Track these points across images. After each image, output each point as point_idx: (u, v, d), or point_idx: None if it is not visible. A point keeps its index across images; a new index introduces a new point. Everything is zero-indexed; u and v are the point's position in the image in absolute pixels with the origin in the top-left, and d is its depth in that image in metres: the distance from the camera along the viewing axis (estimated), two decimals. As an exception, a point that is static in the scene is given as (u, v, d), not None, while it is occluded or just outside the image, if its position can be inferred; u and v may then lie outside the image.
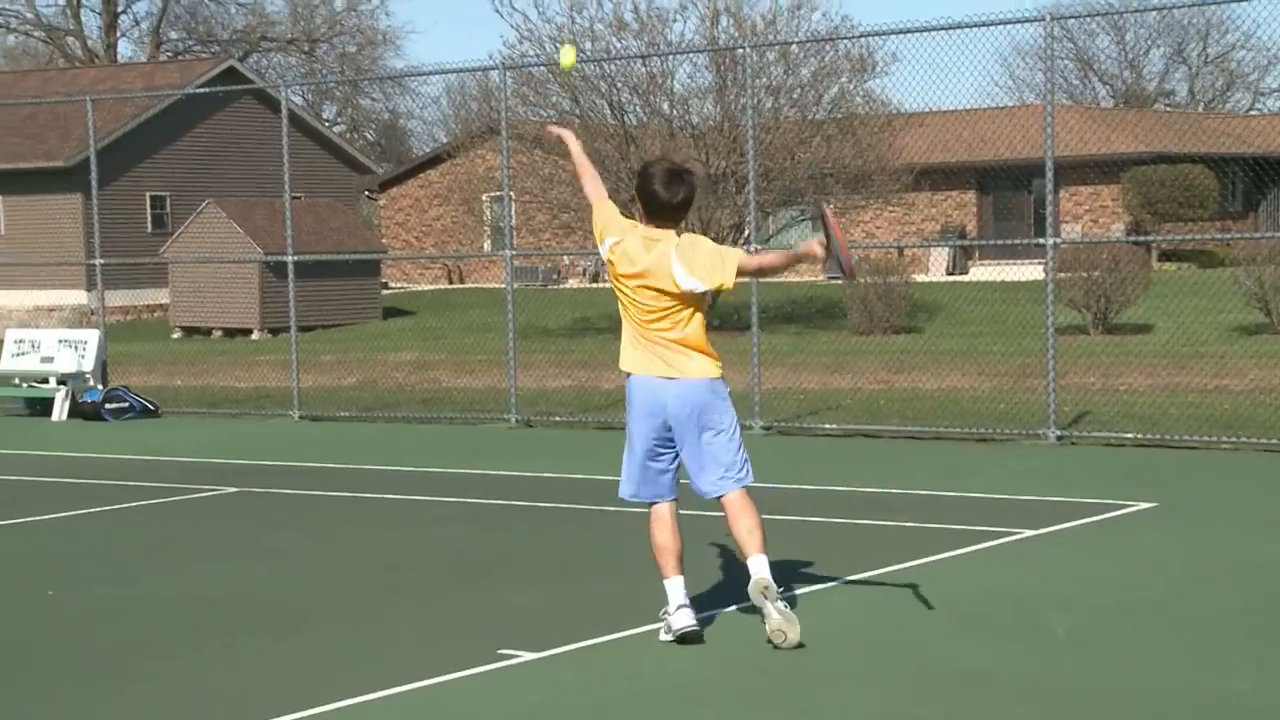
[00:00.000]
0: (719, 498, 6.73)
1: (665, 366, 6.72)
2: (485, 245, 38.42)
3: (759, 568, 6.60)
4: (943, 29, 13.78)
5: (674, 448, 6.76)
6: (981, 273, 36.11)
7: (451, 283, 42.91)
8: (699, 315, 6.77)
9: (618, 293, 6.86)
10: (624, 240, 6.81)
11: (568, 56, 8.23)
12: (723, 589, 7.50)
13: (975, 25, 13.53)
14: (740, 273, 6.76)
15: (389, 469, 12.62)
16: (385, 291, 35.74)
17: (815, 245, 6.74)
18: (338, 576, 8.44)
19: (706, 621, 6.86)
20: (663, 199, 6.75)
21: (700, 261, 6.70)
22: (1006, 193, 38.24)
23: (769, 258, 7.09)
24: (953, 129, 35.79)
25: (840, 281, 6.67)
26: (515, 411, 15.21)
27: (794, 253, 6.80)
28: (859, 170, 26.29)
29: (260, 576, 8.51)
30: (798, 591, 7.47)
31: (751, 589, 6.62)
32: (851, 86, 26.24)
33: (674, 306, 6.72)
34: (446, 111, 58.49)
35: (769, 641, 6.54)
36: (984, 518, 9.54)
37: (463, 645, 6.76)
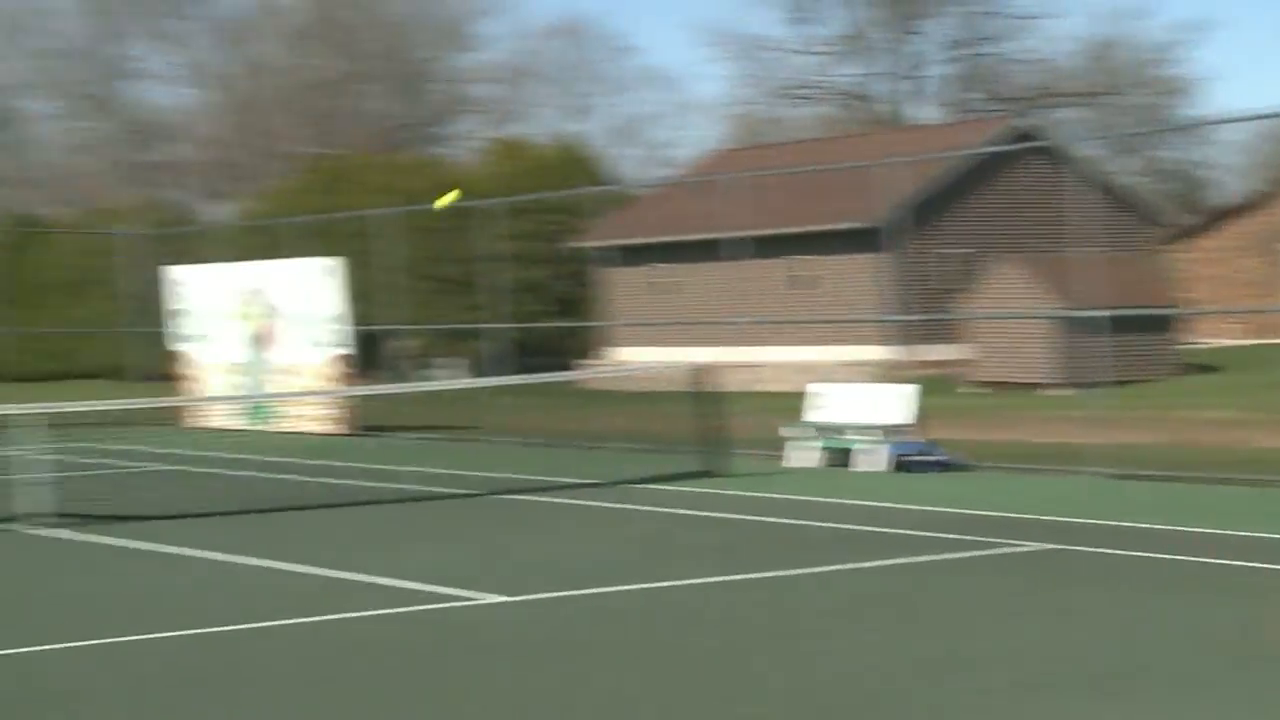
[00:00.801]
0: None
1: None
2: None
3: None
4: None
5: None
6: None
7: (1261, 338, 40.39)
8: None
9: None
10: None
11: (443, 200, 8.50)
12: None
13: None
14: None
15: (1206, 532, 11.84)
16: (1189, 347, 34.19)
17: None
18: (1156, 643, 7.97)
19: None
20: None
21: None
22: None
23: None
24: None
25: None
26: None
27: None
28: None
29: (1075, 637, 8.17)
30: None
31: None
32: None
33: None
34: (1255, 159, 55.64)
35: None
36: None
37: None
